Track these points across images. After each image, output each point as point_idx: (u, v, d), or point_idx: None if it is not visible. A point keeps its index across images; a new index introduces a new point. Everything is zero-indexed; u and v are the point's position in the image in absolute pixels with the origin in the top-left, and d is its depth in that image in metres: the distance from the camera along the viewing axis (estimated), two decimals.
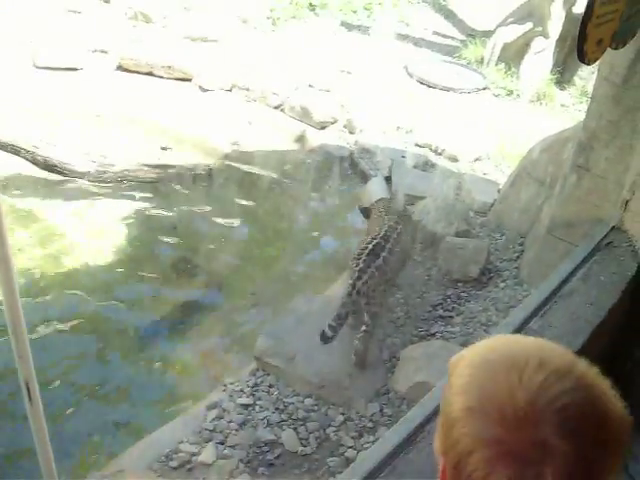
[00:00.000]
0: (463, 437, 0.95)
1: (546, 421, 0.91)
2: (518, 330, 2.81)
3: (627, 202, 3.75)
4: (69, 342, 4.44)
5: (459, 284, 4.92)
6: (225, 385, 4.00)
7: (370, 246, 4.20)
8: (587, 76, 8.09)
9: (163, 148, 6.46)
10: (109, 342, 4.50)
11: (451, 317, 4.61)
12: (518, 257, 5.12)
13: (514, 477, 0.90)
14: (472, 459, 0.93)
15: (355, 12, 9.92)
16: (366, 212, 5.00)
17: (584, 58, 2.28)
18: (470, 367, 1.01)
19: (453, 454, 0.97)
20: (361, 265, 4.10)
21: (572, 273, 3.29)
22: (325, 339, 4.00)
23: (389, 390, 3.98)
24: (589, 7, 2.14)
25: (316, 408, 3.88)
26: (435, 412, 2.87)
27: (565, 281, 3.22)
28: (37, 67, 7.08)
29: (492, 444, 0.92)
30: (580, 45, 2.21)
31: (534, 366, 0.95)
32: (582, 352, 1.04)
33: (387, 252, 4.22)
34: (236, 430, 3.71)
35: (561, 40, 8.20)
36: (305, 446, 3.66)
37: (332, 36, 9.19)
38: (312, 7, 9.67)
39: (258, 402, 3.89)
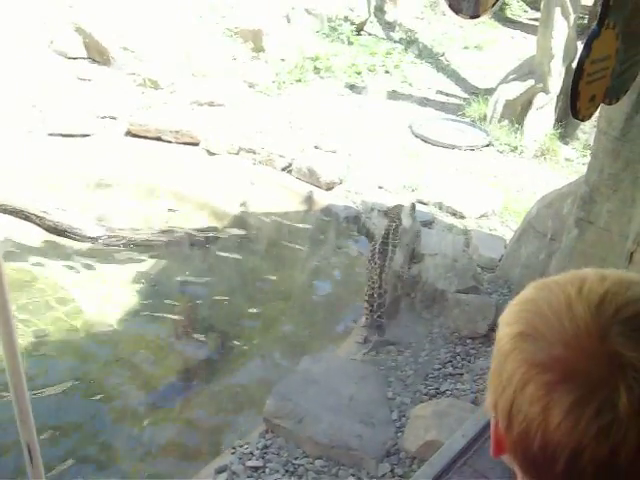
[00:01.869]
0: (516, 369, 0.82)
1: (613, 332, 0.77)
2: None
3: (632, 254, 3.76)
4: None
5: (468, 341, 4.90)
6: (234, 447, 3.97)
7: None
8: (590, 130, 8.16)
9: (171, 210, 6.53)
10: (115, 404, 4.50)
11: (461, 374, 4.58)
12: None
13: (580, 402, 0.76)
14: (527, 391, 0.80)
15: (359, 74, 10.09)
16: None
17: (578, 115, 2.33)
18: (519, 297, 0.90)
19: (506, 397, 0.83)
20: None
21: None
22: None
23: (399, 450, 3.93)
24: (580, 65, 2.19)
25: (326, 469, 3.84)
26: (444, 470, 2.85)
27: None
28: (48, 134, 7.22)
29: (550, 366, 0.78)
30: (573, 103, 2.26)
31: (595, 279, 0.84)
32: None
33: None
34: None
35: (562, 95, 8.31)
36: None
37: (337, 98, 9.35)
38: (317, 70, 9.85)
39: (268, 464, 3.85)
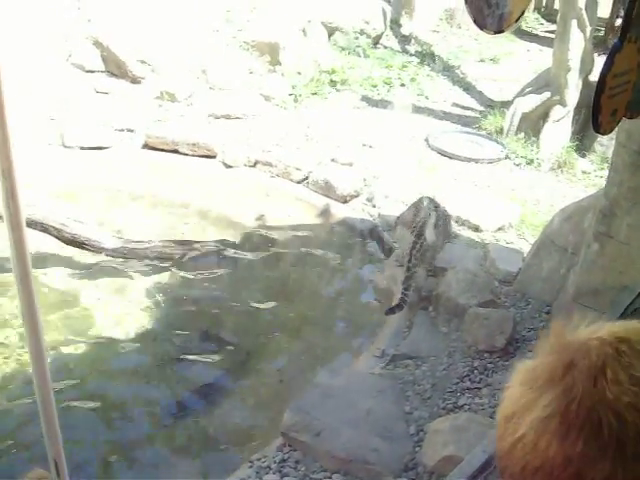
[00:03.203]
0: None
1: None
2: None
3: None
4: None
5: (485, 355, 4.87)
6: (252, 461, 3.96)
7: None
8: (607, 143, 8.11)
9: (187, 223, 6.55)
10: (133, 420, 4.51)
11: (479, 389, 4.56)
12: (545, 326, 5.08)
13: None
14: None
15: (375, 87, 10.09)
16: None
17: (599, 129, 2.33)
18: None
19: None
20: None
21: None
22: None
23: (417, 464, 3.90)
24: (601, 79, 2.19)
25: None
26: None
27: None
28: (66, 146, 7.28)
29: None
30: (595, 116, 2.26)
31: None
32: None
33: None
34: None
35: (579, 108, 8.28)
36: None
37: (353, 111, 9.35)
38: (333, 83, 9.87)
39: (285, 478, 3.84)
